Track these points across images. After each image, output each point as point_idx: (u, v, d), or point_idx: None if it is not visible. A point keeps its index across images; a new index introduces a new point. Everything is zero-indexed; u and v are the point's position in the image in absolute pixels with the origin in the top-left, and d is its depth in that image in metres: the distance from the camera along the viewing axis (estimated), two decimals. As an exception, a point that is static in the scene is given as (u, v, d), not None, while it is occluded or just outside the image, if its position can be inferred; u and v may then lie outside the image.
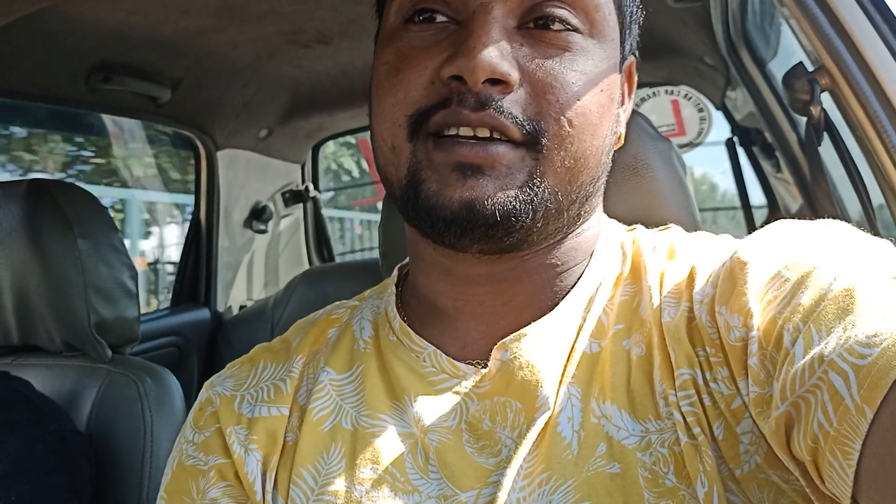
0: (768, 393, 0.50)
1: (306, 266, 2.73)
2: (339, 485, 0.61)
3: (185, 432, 0.70)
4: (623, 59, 0.66)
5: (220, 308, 2.31)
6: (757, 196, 2.03)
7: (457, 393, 0.62)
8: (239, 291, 2.43)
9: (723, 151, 1.97)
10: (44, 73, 1.54)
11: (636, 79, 0.72)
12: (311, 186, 2.65)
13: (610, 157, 0.65)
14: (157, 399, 1.15)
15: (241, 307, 2.41)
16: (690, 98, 2.60)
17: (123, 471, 1.11)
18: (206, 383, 0.72)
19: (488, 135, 0.57)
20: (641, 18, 0.71)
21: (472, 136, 0.57)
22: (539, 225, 0.59)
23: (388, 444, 0.61)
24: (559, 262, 0.64)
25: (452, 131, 0.58)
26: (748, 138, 1.87)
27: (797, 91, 0.87)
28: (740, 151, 1.95)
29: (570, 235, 0.64)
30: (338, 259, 3.04)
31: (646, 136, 0.93)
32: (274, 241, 2.59)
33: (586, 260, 0.66)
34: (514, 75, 0.57)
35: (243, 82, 1.97)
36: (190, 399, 1.05)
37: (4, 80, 1.48)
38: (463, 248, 0.60)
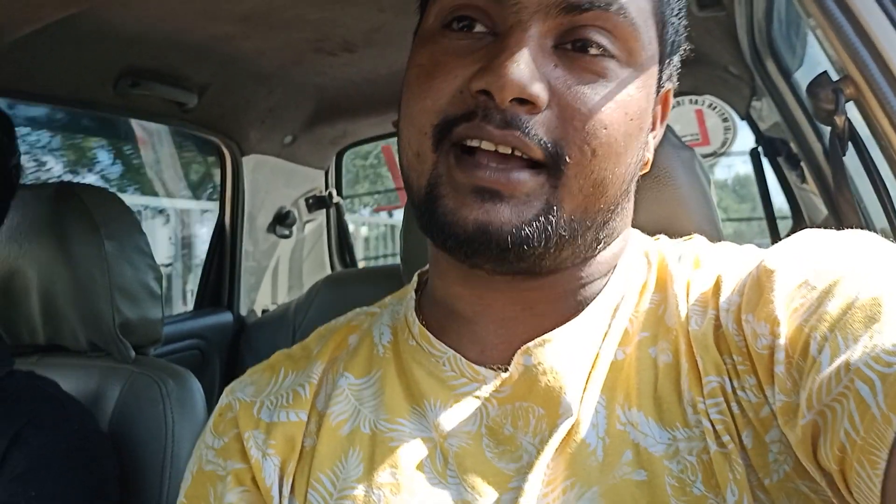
0: (795, 402, 0.50)
1: (329, 271, 2.74)
2: (358, 489, 0.60)
3: (204, 437, 0.70)
4: (660, 87, 0.65)
5: (243, 312, 2.33)
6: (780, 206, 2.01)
7: (477, 397, 0.62)
8: (262, 296, 2.45)
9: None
10: (73, 77, 1.56)
11: (672, 103, 0.71)
12: (334, 192, 2.67)
13: (634, 182, 0.64)
14: (178, 400, 1.16)
15: (264, 311, 2.42)
16: (715, 108, 2.58)
17: (144, 471, 1.12)
18: (227, 389, 0.72)
19: (510, 151, 0.56)
20: (685, 49, 0.69)
21: (493, 150, 0.57)
22: (552, 251, 0.59)
23: (407, 449, 0.61)
24: (582, 276, 0.64)
25: (475, 143, 0.57)
26: (773, 148, 1.85)
27: (822, 100, 0.86)
28: (765, 162, 1.94)
29: (588, 258, 0.64)
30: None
31: (669, 146, 0.92)
32: (297, 247, 2.60)
33: (611, 272, 0.66)
34: (543, 97, 0.56)
35: (269, 89, 1.98)
36: (211, 401, 1.06)
37: (35, 84, 1.51)
38: (475, 265, 0.60)
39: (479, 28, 0.60)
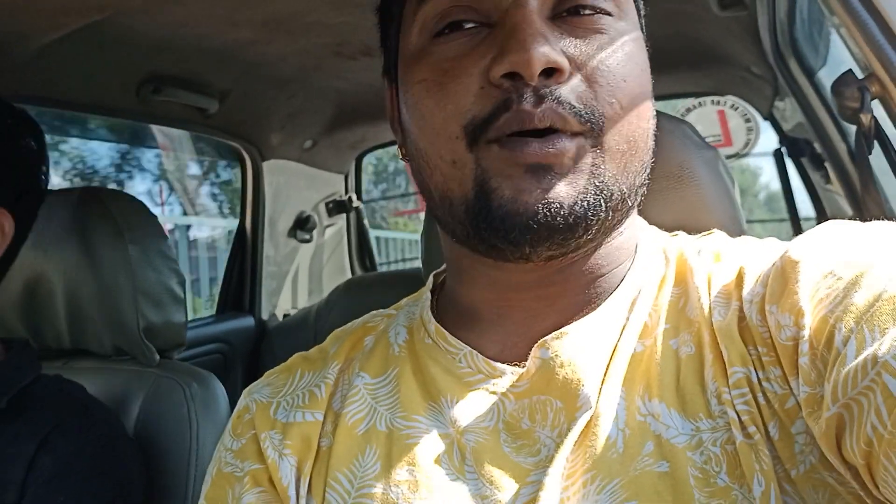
0: (819, 393, 0.49)
1: (349, 276, 2.75)
2: (376, 487, 0.60)
3: (223, 440, 0.71)
4: (645, 39, 0.66)
5: (265, 316, 2.34)
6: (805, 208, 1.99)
7: (493, 393, 0.61)
8: (284, 300, 2.46)
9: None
10: (96, 84, 1.58)
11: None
12: (354, 197, 2.68)
13: (653, 140, 0.64)
14: (203, 403, 1.17)
15: (285, 315, 2.43)
16: (737, 108, 2.57)
17: (169, 474, 1.13)
18: (245, 391, 0.73)
19: (548, 125, 0.56)
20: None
21: (533, 130, 0.56)
22: (609, 217, 0.58)
23: (424, 446, 0.61)
24: (604, 263, 0.64)
25: (515, 128, 0.57)
26: (797, 149, 1.84)
27: (847, 99, 0.85)
28: (788, 163, 1.92)
29: (615, 234, 0.64)
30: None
31: (691, 145, 0.92)
32: (318, 251, 2.61)
33: (628, 262, 0.65)
34: (566, 62, 0.56)
35: (289, 94, 2.00)
36: (234, 406, 1.07)
37: (58, 91, 1.52)
38: (535, 255, 0.59)
39: (468, 25, 0.60)
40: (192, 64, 1.66)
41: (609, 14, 0.60)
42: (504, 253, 0.60)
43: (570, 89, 0.56)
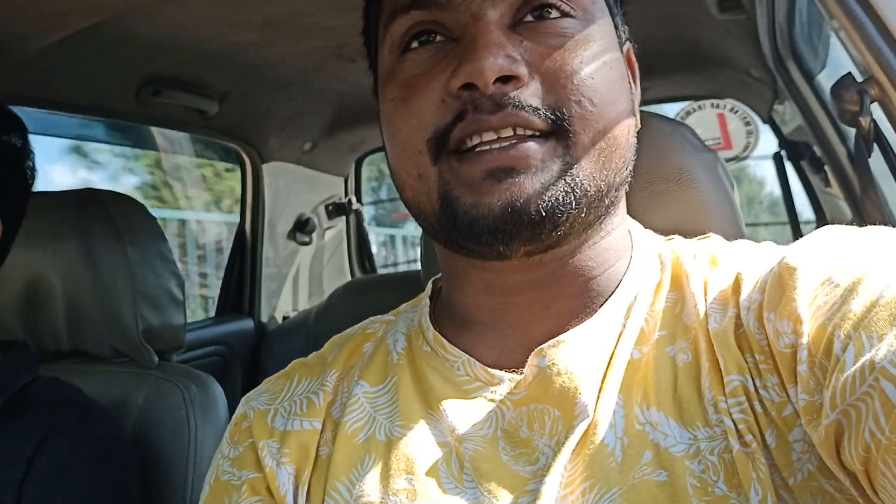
0: (818, 401, 0.49)
1: (349, 278, 2.75)
2: (374, 496, 0.60)
3: (221, 448, 0.71)
4: (620, 42, 0.66)
5: (264, 318, 2.34)
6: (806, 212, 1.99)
7: (491, 400, 0.61)
8: (284, 302, 2.46)
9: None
10: (96, 86, 1.58)
11: (636, 65, 0.72)
12: (353, 199, 2.67)
13: (635, 140, 0.65)
14: (201, 406, 1.17)
15: (285, 318, 2.43)
16: (737, 111, 2.57)
17: (168, 476, 1.12)
18: (243, 399, 0.73)
19: (512, 133, 0.57)
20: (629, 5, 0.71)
21: (495, 139, 0.57)
22: (583, 214, 0.59)
23: (423, 454, 0.61)
24: (595, 264, 0.64)
25: (475, 140, 0.58)
26: (796, 152, 1.84)
27: (846, 102, 0.85)
28: (788, 166, 1.92)
29: (601, 233, 0.64)
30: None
31: (691, 148, 0.92)
32: (318, 253, 2.61)
33: (623, 265, 0.65)
34: (523, 69, 0.57)
35: (289, 96, 2.00)
36: (233, 408, 1.07)
37: (58, 93, 1.52)
38: (511, 253, 0.59)
39: (433, 40, 0.62)
40: (192, 66, 1.66)
41: (572, 16, 0.61)
42: (482, 254, 0.61)
43: (530, 93, 0.57)
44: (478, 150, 0.58)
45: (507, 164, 0.56)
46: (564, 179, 0.57)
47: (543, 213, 0.56)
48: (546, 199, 0.56)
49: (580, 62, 0.59)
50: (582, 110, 0.58)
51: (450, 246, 0.63)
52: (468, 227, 0.58)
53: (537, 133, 0.57)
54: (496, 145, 0.57)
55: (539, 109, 0.57)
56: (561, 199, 0.57)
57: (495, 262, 0.62)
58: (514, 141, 0.57)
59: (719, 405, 0.55)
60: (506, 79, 0.57)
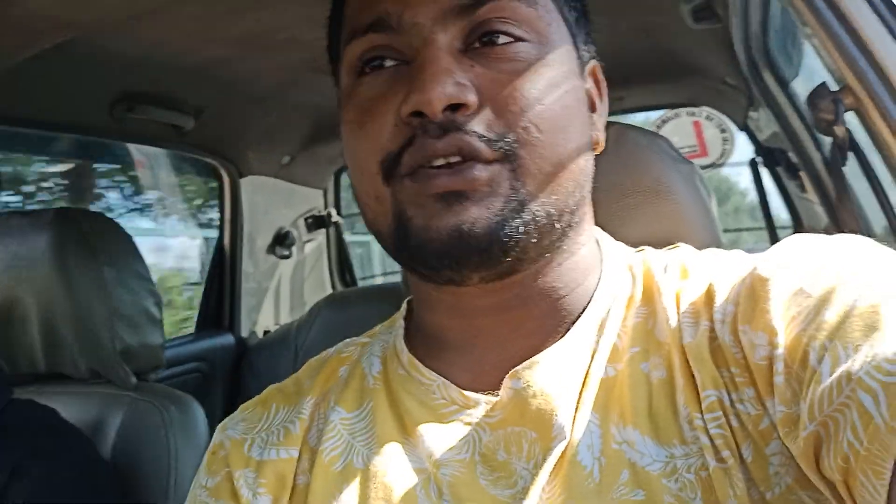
0: (795, 412, 0.49)
1: (330, 291, 2.73)
2: None
3: (198, 477, 0.69)
4: (582, 62, 0.66)
5: (245, 333, 2.32)
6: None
7: (468, 424, 0.61)
8: (264, 317, 2.44)
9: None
10: (68, 103, 1.56)
11: (604, 82, 0.71)
12: (333, 212, 2.67)
13: (591, 162, 0.65)
14: (181, 427, 1.16)
15: (266, 332, 2.42)
16: (712, 119, 2.59)
17: (148, 498, 1.11)
18: (219, 427, 0.72)
19: (460, 159, 0.57)
20: (588, 27, 0.71)
21: (444, 164, 0.57)
22: (533, 240, 0.58)
23: (401, 481, 0.60)
24: (561, 285, 0.63)
25: (424, 165, 0.57)
26: (772, 158, 1.85)
27: (822, 111, 0.86)
28: (764, 172, 1.94)
29: (565, 255, 0.63)
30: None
31: (668, 159, 0.92)
32: (298, 267, 2.60)
33: (592, 281, 0.65)
34: (472, 97, 0.57)
35: (266, 110, 1.99)
36: (213, 425, 1.05)
37: (29, 110, 1.51)
38: (463, 280, 0.59)
39: (389, 63, 0.61)
40: (167, 82, 1.65)
41: (525, 40, 0.60)
42: (433, 279, 0.61)
43: (478, 120, 0.57)
44: (428, 169, 0.57)
45: (457, 188, 0.56)
46: (512, 206, 0.57)
47: (491, 240, 0.56)
48: (494, 225, 0.56)
49: (530, 87, 0.58)
50: (528, 136, 0.57)
51: (406, 268, 0.63)
52: (418, 249, 0.58)
53: (483, 160, 0.57)
54: (447, 170, 0.57)
55: (485, 137, 0.57)
56: (509, 226, 0.56)
57: (453, 287, 0.61)
58: (462, 166, 0.57)
59: (695, 422, 0.55)
60: (455, 106, 0.56)
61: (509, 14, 0.59)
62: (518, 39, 0.60)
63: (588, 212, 0.67)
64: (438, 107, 0.56)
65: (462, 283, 0.60)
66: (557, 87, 0.60)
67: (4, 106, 1.43)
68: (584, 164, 0.63)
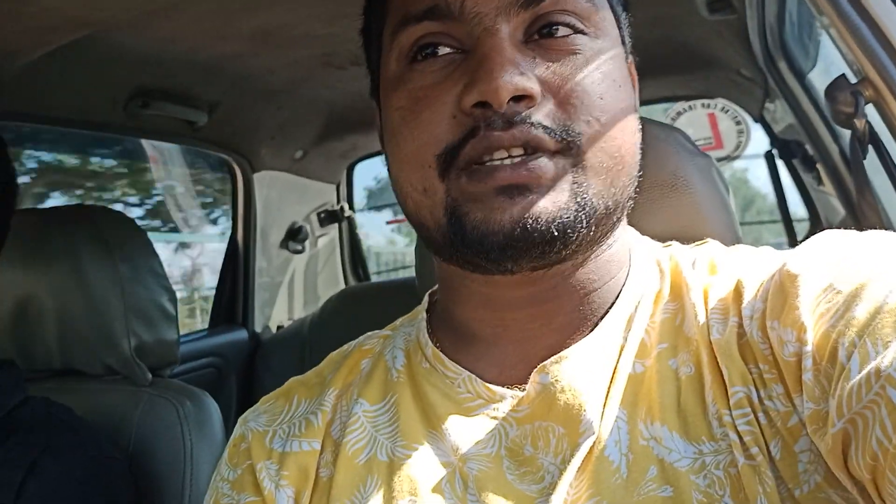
0: (824, 409, 0.49)
1: (343, 286, 2.74)
2: None
3: (220, 469, 0.70)
4: (626, 56, 0.66)
5: (258, 328, 2.33)
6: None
7: (494, 418, 0.61)
8: (278, 311, 2.45)
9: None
10: (84, 99, 1.57)
11: (637, 77, 0.71)
12: (346, 206, 2.67)
13: (640, 153, 0.65)
14: (196, 422, 1.16)
15: (279, 327, 2.42)
16: (727, 111, 2.57)
17: (164, 495, 1.11)
18: (241, 419, 0.72)
19: (522, 152, 0.56)
20: (629, 17, 0.71)
21: (506, 157, 0.57)
22: (591, 232, 0.58)
23: (426, 474, 0.60)
24: (596, 277, 0.63)
25: (486, 158, 0.57)
26: (788, 151, 1.84)
27: (841, 104, 0.84)
28: (780, 164, 1.92)
29: (603, 247, 0.63)
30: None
31: (685, 153, 0.91)
32: (312, 261, 2.60)
33: (623, 275, 0.65)
34: (537, 88, 0.57)
35: (279, 105, 1.99)
36: (228, 420, 1.05)
37: (45, 107, 1.51)
38: (518, 269, 0.59)
39: (444, 51, 0.61)
40: (181, 78, 1.65)
41: (584, 33, 0.60)
42: (488, 269, 0.60)
43: (542, 112, 0.57)
44: (489, 164, 0.57)
45: (520, 182, 0.56)
46: (575, 199, 0.57)
47: (555, 233, 0.56)
48: (557, 218, 0.56)
49: (591, 82, 0.58)
50: (591, 130, 0.58)
51: (454, 260, 0.63)
52: (477, 242, 0.57)
53: (547, 151, 0.57)
54: (507, 162, 0.57)
55: (550, 129, 0.57)
56: (572, 218, 0.56)
57: (498, 277, 0.61)
58: (525, 158, 0.56)
59: (724, 418, 0.55)
60: (519, 97, 0.56)
61: (571, 7, 0.60)
62: (577, 31, 0.60)
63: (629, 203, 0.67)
64: (505, 96, 0.55)
65: (514, 273, 0.60)
66: (615, 81, 0.60)
67: (21, 102, 1.44)
68: (638, 157, 0.63)
